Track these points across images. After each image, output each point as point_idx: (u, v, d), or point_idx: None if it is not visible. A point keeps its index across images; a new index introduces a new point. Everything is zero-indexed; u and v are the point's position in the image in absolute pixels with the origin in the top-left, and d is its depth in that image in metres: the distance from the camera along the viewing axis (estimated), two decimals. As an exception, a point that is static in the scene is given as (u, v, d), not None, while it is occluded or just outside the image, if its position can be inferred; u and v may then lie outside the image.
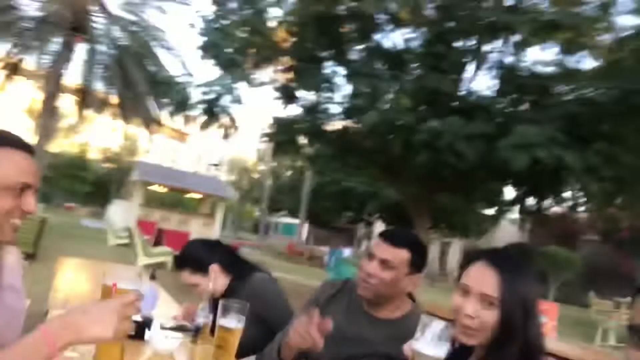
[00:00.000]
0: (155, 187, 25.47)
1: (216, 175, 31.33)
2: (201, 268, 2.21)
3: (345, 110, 7.81)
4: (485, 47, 7.02)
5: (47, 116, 14.63)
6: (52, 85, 14.13)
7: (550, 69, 6.64)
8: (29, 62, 15.22)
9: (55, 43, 14.76)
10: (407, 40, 7.30)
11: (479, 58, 6.79)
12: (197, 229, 21.99)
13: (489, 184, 7.47)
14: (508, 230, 22.84)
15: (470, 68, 6.88)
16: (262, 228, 35.04)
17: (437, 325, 1.15)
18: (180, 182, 24.53)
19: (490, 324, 1.17)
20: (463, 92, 6.77)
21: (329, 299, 1.79)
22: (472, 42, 6.45)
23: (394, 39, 7.49)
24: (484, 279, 1.19)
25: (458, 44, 6.15)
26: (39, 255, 8.47)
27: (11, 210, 1.03)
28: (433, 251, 32.29)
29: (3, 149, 1.04)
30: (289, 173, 35.21)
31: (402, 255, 1.58)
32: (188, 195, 31.04)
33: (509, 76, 6.69)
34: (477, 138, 5.64)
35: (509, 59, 6.86)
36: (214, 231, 23.43)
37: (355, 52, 7.34)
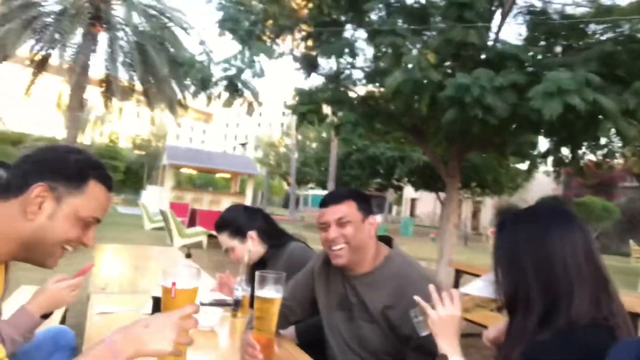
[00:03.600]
0: (185, 170, 25.89)
1: (243, 153, 31.54)
2: (239, 232, 2.24)
3: (368, 74, 7.61)
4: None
5: (76, 109, 14.92)
6: (78, 77, 14.36)
7: (583, 10, 6.27)
8: (54, 56, 15.46)
9: (77, 35, 14.90)
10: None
11: (507, 4, 6.45)
12: (229, 208, 22.30)
13: (520, 137, 7.20)
14: (543, 184, 22.33)
15: (496, 16, 6.56)
16: (292, 202, 35.32)
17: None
18: (208, 163, 24.84)
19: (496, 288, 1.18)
20: (490, 43, 6.47)
21: (324, 265, 1.81)
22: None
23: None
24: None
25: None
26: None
27: (73, 239, 1.05)
28: (465, 210, 31.97)
29: (93, 181, 1.06)
30: (314, 145, 35.18)
31: (348, 206, 1.63)
32: (217, 175, 31.50)
33: (539, 21, 6.34)
34: (507, 89, 5.41)
35: (538, 2, 6.51)
36: (245, 208, 23.70)
37: (375, 11, 7.09)
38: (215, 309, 1.88)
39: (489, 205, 33.09)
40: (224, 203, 23.00)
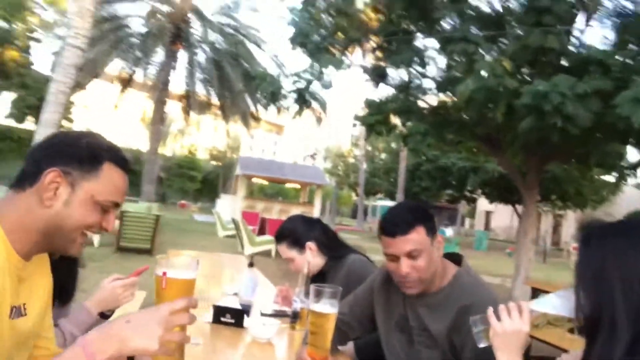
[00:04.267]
0: (256, 180, 26.65)
1: (313, 164, 31.91)
2: (298, 243, 2.22)
3: (440, 83, 7.42)
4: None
5: (158, 122, 15.89)
6: (160, 93, 15.31)
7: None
8: (138, 74, 16.66)
9: (159, 54, 15.94)
10: (505, 1, 6.72)
11: (591, 6, 6.04)
12: (299, 217, 22.64)
13: (606, 147, 6.66)
14: (632, 197, 20.53)
15: (579, 19, 6.16)
16: (360, 212, 35.13)
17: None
18: (279, 173, 25.38)
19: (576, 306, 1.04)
20: (571, 48, 6.07)
21: (385, 282, 1.71)
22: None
23: (490, 0, 6.95)
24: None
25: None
26: (155, 250, 9.24)
27: (93, 225, 1.01)
28: (545, 225, 30.13)
29: (107, 164, 1.02)
30: (383, 156, 34.85)
31: (418, 233, 1.48)
32: (287, 185, 32.09)
33: (629, 23, 5.86)
34: (591, 96, 5.03)
35: (628, 4, 6.03)
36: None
37: (447, 20, 6.92)
38: (273, 321, 1.88)
39: (571, 219, 30.98)
40: (293, 212, 23.32)
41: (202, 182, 40.15)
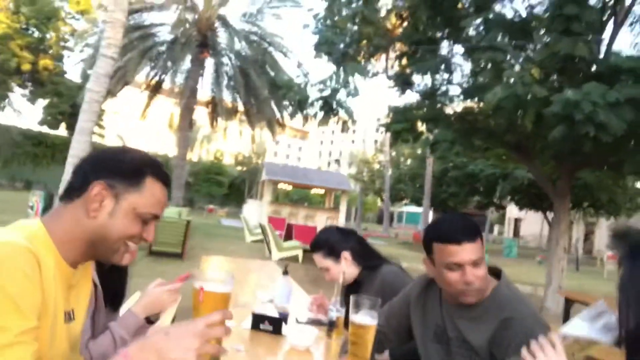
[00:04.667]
0: (282, 185, 26.85)
1: (337, 170, 31.97)
2: (333, 253, 2.27)
3: (466, 89, 7.39)
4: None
5: (185, 128, 16.20)
6: (187, 100, 15.61)
7: None
8: (166, 81, 17.07)
9: (187, 61, 16.28)
10: (531, 6, 6.68)
11: (620, 13, 5.94)
12: (323, 223, 22.77)
13: (640, 155, 6.51)
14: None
15: (608, 26, 6.07)
16: (386, 218, 34.97)
17: (611, 317, 1.08)
18: (304, 179, 25.53)
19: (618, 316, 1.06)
20: (601, 55, 5.97)
21: (421, 293, 1.74)
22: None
23: (515, 6, 6.93)
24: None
25: (593, 1, 5.43)
26: (186, 254, 9.42)
27: (135, 235, 1.06)
28: (577, 232, 29.39)
29: (149, 178, 1.07)
30: (409, 161, 34.66)
31: (479, 244, 1.49)
32: (313, 191, 32.21)
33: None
34: (624, 105, 4.94)
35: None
36: (338, 223, 24.01)
37: (473, 26, 6.89)
38: (312, 329, 1.93)
39: (603, 227, 30.15)
40: (319, 218, 23.45)
41: (228, 187, 40.63)
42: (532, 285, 10.66)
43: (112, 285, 1.51)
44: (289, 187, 30.16)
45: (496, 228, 45.78)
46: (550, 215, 14.47)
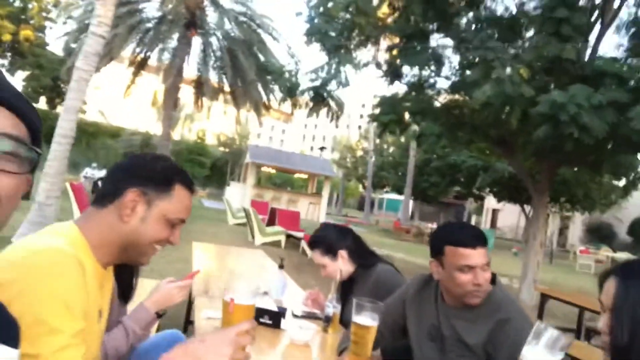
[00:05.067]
0: (265, 169, 26.81)
1: (321, 155, 32.01)
2: (330, 250, 2.35)
3: (455, 84, 7.49)
4: (615, 3, 6.27)
5: (169, 107, 15.99)
6: (173, 78, 15.38)
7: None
8: (152, 58, 16.76)
9: (174, 39, 15.99)
10: (521, 4, 6.76)
11: (607, 17, 6.08)
12: (305, 208, 22.87)
13: (619, 157, 6.72)
14: (641, 202, 20.49)
15: (595, 29, 6.20)
16: (367, 205, 35.25)
17: (552, 333, 1.14)
18: (287, 163, 25.51)
19: (610, 334, 1.15)
20: (587, 58, 6.11)
21: (417, 293, 1.84)
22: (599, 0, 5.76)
23: (506, 3, 7.01)
24: (608, 290, 1.18)
25: (582, 2, 5.53)
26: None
27: (163, 239, 1.14)
28: (552, 226, 30.14)
29: (178, 185, 1.15)
30: (392, 150, 34.88)
31: (487, 250, 1.63)
32: (295, 175, 32.26)
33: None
34: (606, 108, 5.10)
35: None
36: (320, 209, 24.15)
37: (464, 21, 6.96)
38: (310, 324, 2.01)
39: (577, 222, 30.96)
40: (301, 203, 23.53)
41: (210, 169, 40.34)
42: (508, 277, 10.96)
43: (124, 280, 1.57)
44: (273, 171, 30.14)
45: (474, 218, 46.56)
46: (527, 208, 14.80)
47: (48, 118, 27.91)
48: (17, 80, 30.06)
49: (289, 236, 11.67)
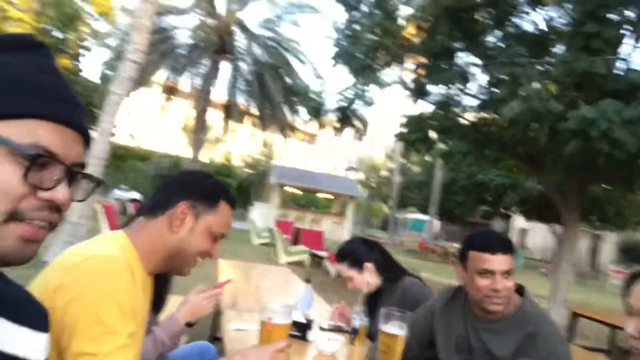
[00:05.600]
0: (289, 189, 26.95)
1: (345, 175, 32.03)
2: (357, 264, 2.36)
3: (482, 101, 7.45)
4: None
5: (199, 130, 16.35)
6: (202, 102, 15.78)
7: None
8: (183, 83, 17.26)
9: (204, 65, 16.45)
10: (550, 20, 6.73)
11: (639, 29, 5.98)
12: (330, 228, 22.81)
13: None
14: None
15: (627, 43, 6.10)
16: (392, 225, 34.88)
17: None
18: (312, 183, 25.61)
19: None
20: (618, 72, 6.01)
21: (445, 306, 1.84)
22: (631, 14, 5.67)
23: (534, 20, 6.97)
24: (639, 293, 1.16)
25: (612, 16, 5.45)
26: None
27: (205, 252, 1.21)
28: (582, 245, 29.20)
29: (223, 201, 1.24)
30: (417, 169, 34.60)
31: (511, 257, 1.64)
32: (320, 195, 32.27)
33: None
34: (638, 122, 4.98)
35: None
36: (344, 229, 24.04)
37: (492, 39, 6.95)
38: (337, 336, 2.02)
39: (609, 241, 29.97)
40: (326, 223, 23.51)
41: (237, 189, 40.74)
42: (537, 297, 10.63)
43: (156, 290, 1.61)
44: (297, 191, 30.25)
45: (503, 238, 45.51)
46: (557, 227, 14.43)
47: (81, 141, 28.77)
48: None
49: (313, 255, 11.66)
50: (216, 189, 1.24)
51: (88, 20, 28.52)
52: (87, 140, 0.69)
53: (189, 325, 1.72)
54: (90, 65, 29.78)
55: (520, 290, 1.74)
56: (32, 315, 0.67)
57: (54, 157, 0.61)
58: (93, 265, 0.98)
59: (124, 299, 0.98)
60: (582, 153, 5.33)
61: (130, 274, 1.03)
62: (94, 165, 7.22)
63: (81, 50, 29.07)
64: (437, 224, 33.53)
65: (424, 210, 30.65)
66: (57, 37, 27.21)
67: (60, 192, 0.61)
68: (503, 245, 1.63)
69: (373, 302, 2.35)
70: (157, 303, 1.72)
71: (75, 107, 0.66)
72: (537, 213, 19.97)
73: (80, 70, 30.69)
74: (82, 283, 0.94)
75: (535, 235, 35.42)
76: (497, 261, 1.59)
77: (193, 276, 1.76)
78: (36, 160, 0.58)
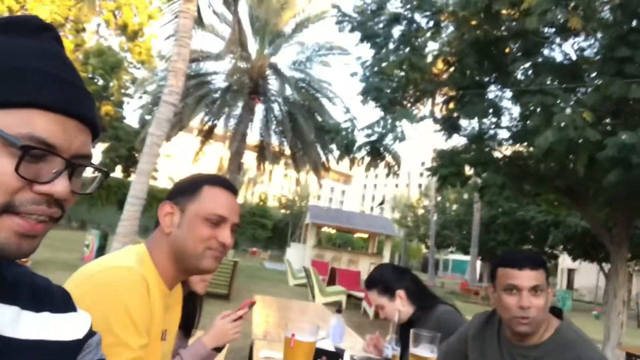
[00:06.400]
0: (326, 229, 26.87)
1: (381, 214, 31.75)
2: (388, 291, 2.28)
3: (515, 133, 7.33)
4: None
5: (234, 172, 16.69)
6: (237, 144, 16.19)
7: None
8: (219, 126, 17.85)
9: (238, 107, 17.01)
10: (580, 49, 6.66)
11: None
12: (366, 268, 22.45)
13: None
14: None
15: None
16: (431, 266, 34.03)
17: None
18: (347, 223, 25.47)
19: None
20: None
21: (479, 331, 1.75)
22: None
23: (564, 49, 6.92)
24: None
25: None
26: (232, 295, 9.51)
27: (206, 238, 1.13)
28: (637, 287, 27.48)
29: (206, 186, 1.19)
30: (455, 207, 34.00)
31: (542, 274, 1.55)
32: (356, 235, 32.00)
33: None
34: (684, 147, 4.77)
35: None
36: (383, 270, 23.58)
37: (521, 71, 6.91)
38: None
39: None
40: (362, 263, 23.16)
41: (272, 230, 41.01)
42: (591, 340, 9.99)
43: (187, 312, 1.62)
44: (333, 231, 30.13)
45: (550, 279, 43.60)
46: (606, 266, 13.72)
47: (122, 185, 29.95)
48: (97, 152, 32.86)
49: (349, 296, 11.45)
50: (196, 179, 1.22)
51: (129, 68, 30.26)
52: (95, 131, 0.65)
53: (217, 349, 1.71)
54: (132, 113, 31.26)
55: (557, 313, 1.63)
56: (69, 303, 0.70)
57: (52, 148, 0.57)
58: (108, 276, 0.99)
59: (136, 311, 0.98)
60: (625, 183, 5.11)
61: (145, 286, 1.03)
62: (132, 205, 7.45)
63: (124, 98, 30.74)
64: (479, 265, 32.48)
65: (464, 249, 29.85)
66: (100, 84, 28.93)
67: (59, 186, 0.58)
68: (530, 260, 1.56)
69: (406, 332, 2.27)
70: (187, 327, 1.73)
71: (78, 96, 0.62)
72: (583, 251, 19.12)
73: (124, 117, 32.36)
74: (96, 293, 0.95)
75: (584, 275, 33.75)
76: (524, 277, 1.52)
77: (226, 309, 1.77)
78: (28, 152, 0.55)
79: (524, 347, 1.57)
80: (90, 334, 0.73)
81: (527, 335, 1.55)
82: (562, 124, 5.25)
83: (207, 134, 18.38)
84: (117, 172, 33.69)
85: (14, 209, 0.56)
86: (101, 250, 11.49)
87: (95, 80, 28.92)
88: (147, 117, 16.86)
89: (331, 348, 2.10)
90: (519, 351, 1.58)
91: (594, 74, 5.96)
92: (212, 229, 1.14)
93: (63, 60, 0.63)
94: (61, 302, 0.71)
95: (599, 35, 5.86)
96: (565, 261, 31.05)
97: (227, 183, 1.24)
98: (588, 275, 31.92)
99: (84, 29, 28.58)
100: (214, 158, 31.89)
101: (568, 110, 4.95)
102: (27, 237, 0.57)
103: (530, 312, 1.50)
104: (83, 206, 31.63)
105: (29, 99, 0.57)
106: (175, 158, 39.29)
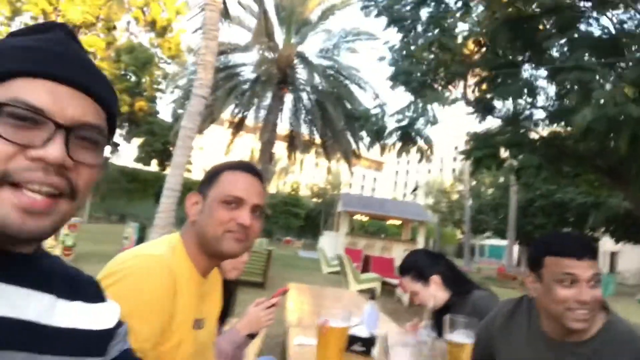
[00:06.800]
0: (358, 216, 26.84)
1: (414, 200, 31.47)
2: (422, 276, 2.24)
3: (552, 113, 7.10)
4: None
5: (266, 162, 16.83)
6: (268, 134, 16.30)
7: None
8: (249, 117, 18.01)
9: (268, 98, 17.10)
10: (620, 22, 6.35)
11: None
12: (400, 255, 22.32)
13: None
14: None
15: None
16: (467, 251, 33.53)
17: None
18: (380, 210, 25.34)
19: None
20: None
21: (507, 319, 1.60)
22: None
23: (602, 23, 6.61)
24: None
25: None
26: (267, 284, 9.63)
27: (225, 221, 1.13)
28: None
29: (225, 172, 1.20)
30: (490, 191, 33.30)
31: (597, 265, 1.36)
32: (389, 222, 31.85)
33: None
34: None
35: None
36: (417, 256, 23.40)
37: (556, 47, 6.65)
38: (406, 351, 1.94)
39: None
40: (395, 250, 23.04)
41: (304, 219, 41.28)
42: (638, 330, 9.66)
43: (223, 300, 1.65)
44: (365, 218, 30.05)
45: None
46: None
47: (158, 179, 30.71)
48: (133, 147, 33.75)
49: (384, 283, 11.43)
50: (218, 167, 1.23)
51: (160, 63, 30.84)
52: (101, 101, 0.64)
53: (251, 336, 1.73)
54: (166, 107, 31.95)
55: (602, 304, 1.43)
56: (84, 289, 0.71)
57: (40, 111, 0.56)
58: (135, 263, 1.02)
59: (154, 299, 0.99)
60: (671, 160, 4.88)
61: (169, 274, 1.04)
62: (168, 197, 7.61)
63: (157, 94, 31.37)
64: (517, 249, 31.82)
65: (500, 234, 29.28)
66: (133, 81, 29.62)
67: (51, 149, 0.55)
68: (589, 248, 1.36)
69: (441, 318, 2.23)
70: (222, 314, 1.76)
71: (72, 64, 0.61)
72: (626, 233, 18.45)
73: (157, 112, 33.05)
74: (121, 278, 0.99)
75: (627, 258, 32.61)
76: (582, 267, 1.33)
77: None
78: (9, 112, 0.54)
79: (571, 343, 1.40)
80: (119, 324, 0.74)
81: (577, 331, 1.37)
82: (602, 101, 5.05)
83: (238, 126, 18.58)
84: (153, 166, 34.56)
85: (9, 177, 0.54)
86: (140, 242, 11.83)
87: (128, 77, 29.61)
88: (180, 111, 17.18)
89: (366, 335, 2.09)
90: (562, 348, 1.42)
91: (634, 47, 5.68)
92: (229, 211, 1.14)
93: (64, 42, 0.63)
94: (92, 292, 0.72)
95: (639, 7, 5.57)
96: (607, 244, 30.05)
97: (247, 166, 1.23)
98: (632, 258, 30.82)
99: (114, 27, 29.23)
100: (245, 149, 32.27)
101: (608, 86, 4.73)
102: (31, 215, 0.55)
103: (589, 305, 1.33)
104: (122, 200, 32.67)
105: (14, 67, 0.57)
106: (208, 151, 40.00)
